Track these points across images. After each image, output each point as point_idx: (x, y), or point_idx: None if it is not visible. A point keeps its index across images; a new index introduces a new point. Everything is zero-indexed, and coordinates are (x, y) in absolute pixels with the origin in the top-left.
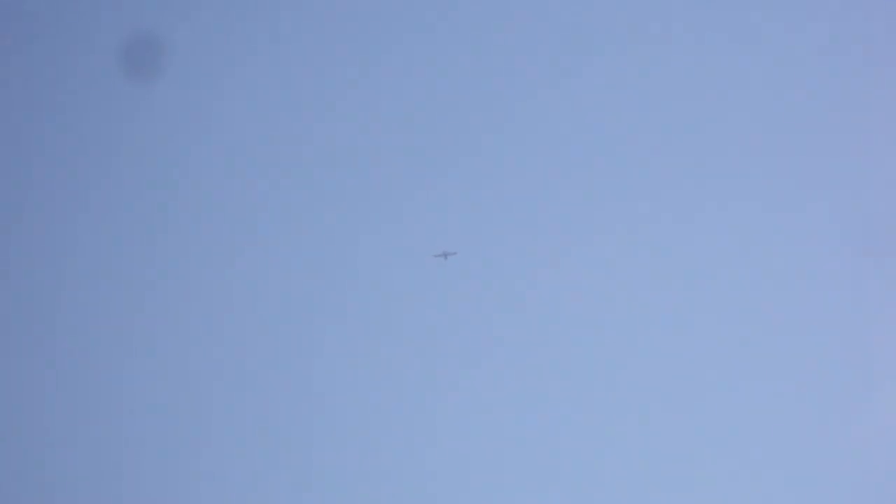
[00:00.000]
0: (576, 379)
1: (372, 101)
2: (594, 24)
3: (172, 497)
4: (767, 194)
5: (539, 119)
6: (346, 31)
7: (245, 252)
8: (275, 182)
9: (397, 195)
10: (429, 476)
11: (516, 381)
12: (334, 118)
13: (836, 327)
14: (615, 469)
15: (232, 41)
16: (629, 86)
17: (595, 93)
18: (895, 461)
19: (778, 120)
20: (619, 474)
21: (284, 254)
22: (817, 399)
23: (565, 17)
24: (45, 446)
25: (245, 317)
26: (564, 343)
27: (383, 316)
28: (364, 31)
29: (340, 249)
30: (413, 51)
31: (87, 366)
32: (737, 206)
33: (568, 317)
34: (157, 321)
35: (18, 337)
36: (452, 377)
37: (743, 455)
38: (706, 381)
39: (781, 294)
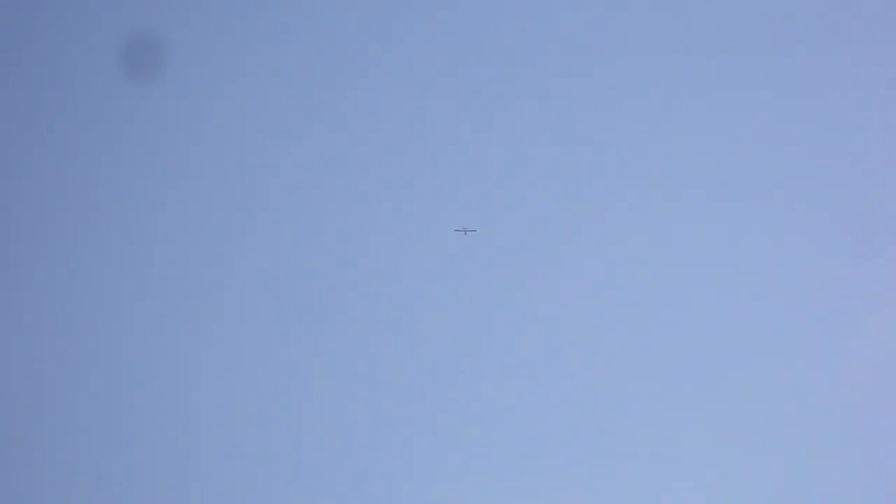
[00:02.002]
0: (586, 361)
1: (378, 95)
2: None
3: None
4: (765, 191)
5: (562, 103)
6: (350, 27)
7: (248, 249)
8: (285, 172)
9: (418, 178)
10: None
11: (528, 361)
12: (342, 111)
13: (835, 324)
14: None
15: (232, 41)
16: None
17: (617, 77)
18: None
19: (776, 119)
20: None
21: (295, 244)
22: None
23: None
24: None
25: (253, 312)
26: (574, 325)
27: (403, 288)
28: (367, 25)
29: (359, 231)
30: (422, 40)
31: (93, 361)
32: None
33: (580, 300)
34: (157, 310)
35: (18, 337)
36: (467, 355)
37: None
38: (713, 383)
39: (778, 291)
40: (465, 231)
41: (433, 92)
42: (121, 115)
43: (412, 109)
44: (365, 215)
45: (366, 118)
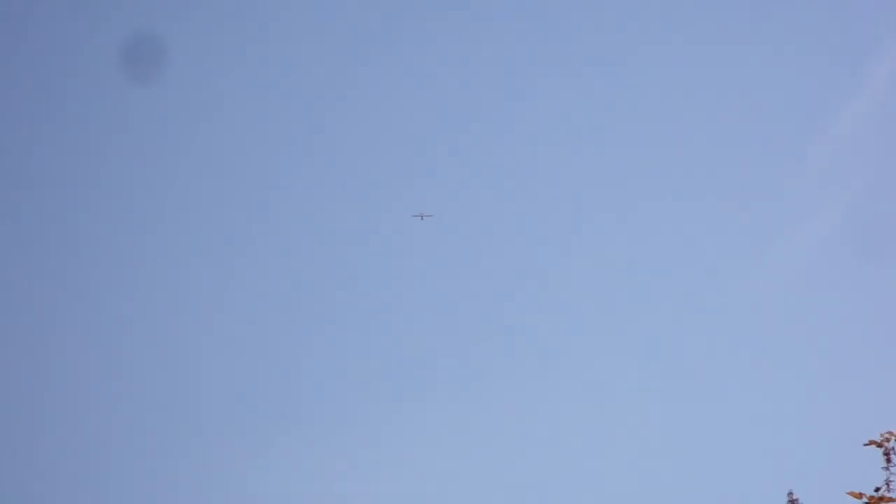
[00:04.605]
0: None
1: (369, 97)
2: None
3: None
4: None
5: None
6: (341, 32)
7: (241, 245)
8: (272, 178)
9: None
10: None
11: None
12: (333, 112)
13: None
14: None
15: (232, 41)
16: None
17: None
18: None
19: (774, 120)
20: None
21: (290, 235)
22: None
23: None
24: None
25: (243, 314)
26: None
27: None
28: (359, 31)
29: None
30: (409, 46)
31: (96, 357)
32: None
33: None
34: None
35: (17, 337)
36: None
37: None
38: (703, 382)
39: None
40: (423, 216)
41: (428, 92)
42: (121, 115)
43: (406, 108)
44: (363, 212)
45: (360, 117)
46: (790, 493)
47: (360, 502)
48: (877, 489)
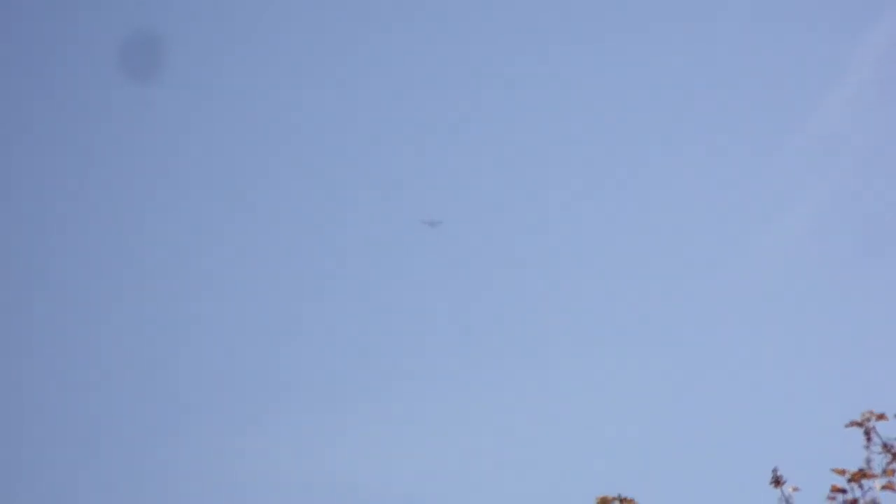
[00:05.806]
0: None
1: (374, 98)
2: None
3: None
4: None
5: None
6: (342, 31)
7: (240, 245)
8: (274, 174)
9: (392, 172)
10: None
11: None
12: (337, 113)
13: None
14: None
15: (232, 41)
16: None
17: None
18: None
19: (771, 115)
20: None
21: (284, 242)
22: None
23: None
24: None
25: (244, 312)
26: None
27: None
28: (364, 31)
29: (336, 230)
30: (412, 42)
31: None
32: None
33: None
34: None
35: (18, 337)
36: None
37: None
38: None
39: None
40: (432, 223)
41: (422, 92)
42: (120, 115)
43: (414, 111)
44: (359, 212)
45: (365, 119)
46: (775, 470)
47: (352, 484)
48: (860, 469)
